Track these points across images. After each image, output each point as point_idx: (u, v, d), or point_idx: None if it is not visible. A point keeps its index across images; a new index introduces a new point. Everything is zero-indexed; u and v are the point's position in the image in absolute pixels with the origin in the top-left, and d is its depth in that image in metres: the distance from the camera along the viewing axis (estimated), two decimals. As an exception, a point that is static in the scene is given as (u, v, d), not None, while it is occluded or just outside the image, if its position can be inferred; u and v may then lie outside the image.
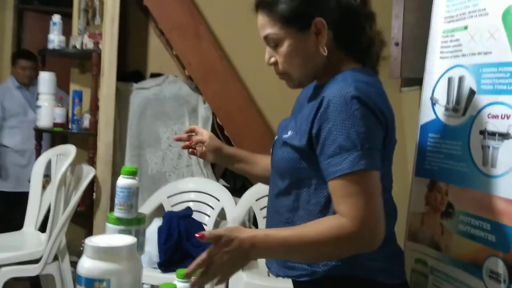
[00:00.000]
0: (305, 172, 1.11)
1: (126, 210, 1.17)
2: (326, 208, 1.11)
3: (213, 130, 2.93)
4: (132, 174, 1.18)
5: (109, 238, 1.05)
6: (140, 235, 1.18)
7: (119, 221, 1.17)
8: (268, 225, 1.24)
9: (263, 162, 1.39)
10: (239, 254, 1.03)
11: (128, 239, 1.03)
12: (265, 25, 1.13)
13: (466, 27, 1.34)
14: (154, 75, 3.01)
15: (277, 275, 1.21)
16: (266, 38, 1.14)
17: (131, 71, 3.05)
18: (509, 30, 1.22)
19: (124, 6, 2.83)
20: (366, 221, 1.01)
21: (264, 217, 2.50)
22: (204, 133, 1.37)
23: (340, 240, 1.03)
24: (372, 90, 1.07)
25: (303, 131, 1.10)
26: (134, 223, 1.18)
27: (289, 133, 1.15)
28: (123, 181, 1.18)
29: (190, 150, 1.38)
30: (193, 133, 1.39)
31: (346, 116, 1.03)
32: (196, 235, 1.04)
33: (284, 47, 1.12)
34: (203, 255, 1.03)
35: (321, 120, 1.05)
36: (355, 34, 1.14)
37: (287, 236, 1.05)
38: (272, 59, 1.16)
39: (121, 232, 1.16)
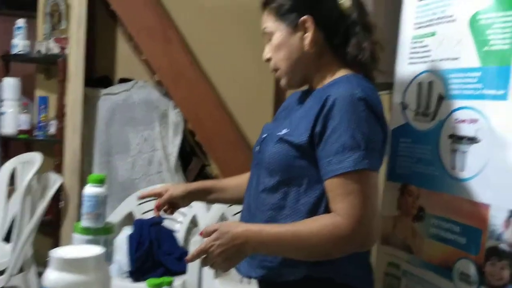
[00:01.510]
0: (299, 170, 1.11)
1: (94, 219, 1.15)
2: (315, 209, 1.11)
3: (184, 136, 2.90)
4: (100, 182, 1.16)
5: (76, 248, 1.03)
6: (108, 245, 1.16)
7: (86, 231, 1.15)
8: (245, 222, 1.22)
9: (231, 184, 1.41)
10: (232, 248, 1.05)
11: (95, 250, 1.00)
12: (265, 20, 1.20)
13: (434, 33, 1.36)
14: (123, 80, 2.97)
15: (248, 276, 1.21)
16: (263, 32, 1.21)
17: (99, 77, 2.99)
18: (476, 36, 1.24)
19: (91, 10, 2.78)
20: (362, 220, 1.03)
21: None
22: (166, 190, 1.36)
23: (334, 239, 1.04)
24: (374, 96, 1.11)
25: (303, 128, 1.10)
26: (102, 233, 1.16)
27: (284, 130, 1.15)
28: (90, 189, 1.16)
29: (169, 211, 1.38)
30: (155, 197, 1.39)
31: (353, 116, 1.05)
32: (199, 234, 1.09)
33: (274, 39, 1.18)
34: (200, 246, 1.06)
35: (326, 118, 1.07)
36: (348, 40, 1.17)
37: (281, 232, 1.06)
38: (268, 55, 1.22)
39: (89, 242, 1.14)
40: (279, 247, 1.08)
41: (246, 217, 1.24)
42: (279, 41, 1.17)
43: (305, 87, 1.26)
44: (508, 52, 1.16)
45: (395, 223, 1.46)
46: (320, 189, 1.10)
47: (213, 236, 1.05)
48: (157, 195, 1.37)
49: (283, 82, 1.22)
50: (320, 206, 1.10)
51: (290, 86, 1.24)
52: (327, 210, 1.09)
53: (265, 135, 1.23)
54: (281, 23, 1.17)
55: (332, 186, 1.06)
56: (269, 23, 1.18)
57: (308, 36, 1.15)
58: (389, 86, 1.53)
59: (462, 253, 1.23)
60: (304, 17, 1.14)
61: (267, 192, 1.16)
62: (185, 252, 2.46)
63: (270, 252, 1.11)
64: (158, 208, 1.35)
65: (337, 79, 1.14)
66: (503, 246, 1.14)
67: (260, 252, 1.13)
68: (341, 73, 1.16)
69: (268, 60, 1.22)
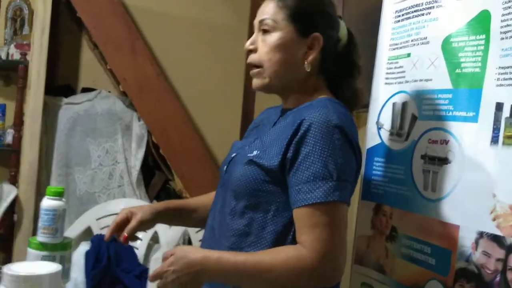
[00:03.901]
0: (267, 196, 1.06)
1: (51, 234, 1.09)
2: (282, 238, 1.05)
3: (148, 149, 2.84)
4: (58, 195, 1.11)
5: (30, 265, 0.96)
6: (65, 261, 1.11)
7: (42, 246, 1.09)
8: (208, 248, 1.15)
9: (201, 204, 1.31)
10: (187, 275, 0.99)
11: (51, 266, 0.94)
12: (268, 11, 1.11)
13: (409, 55, 1.38)
14: (86, 90, 2.88)
15: None
16: (261, 21, 1.11)
17: (61, 85, 2.89)
18: (448, 58, 1.26)
19: (55, 16, 2.70)
20: (328, 255, 0.98)
21: (200, 241, 2.42)
22: (131, 214, 1.21)
23: (297, 272, 0.98)
24: (350, 123, 1.07)
25: (275, 152, 1.05)
26: (59, 249, 1.10)
27: (255, 152, 1.09)
28: (47, 202, 1.10)
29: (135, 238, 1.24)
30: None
31: (327, 143, 1.00)
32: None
33: (275, 37, 1.10)
34: (155, 270, 1.01)
35: (299, 144, 1.02)
36: (340, 74, 1.16)
37: (241, 261, 1.00)
38: (252, 46, 1.12)
39: (45, 258, 1.08)
40: (238, 278, 1.02)
41: (209, 240, 1.17)
42: (281, 41, 1.09)
43: (277, 106, 1.23)
44: (479, 75, 1.17)
45: (369, 243, 1.45)
46: (289, 217, 1.04)
47: (169, 261, 1.00)
48: (124, 223, 1.20)
49: (257, 82, 1.13)
50: (287, 235, 1.05)
51: (263, 89, 1.15)
52: (295, 241, 1.03)
53: (234, 155, 1.17)
54: (290, 23, 1.09)
55: (300, 216, 1.01)
56: (275, 16, 1.09)
57: (313, 53, 1.11)
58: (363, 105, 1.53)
59: (432, 273, 1.22)
60: (317, 33, 1.10)
61: (232, 216, 1.10)
62: (145, 270, 2.38)
63: (228, 281, 1.05)
64: (126, 239, 1.18)
65: (313, 102, 1.10)
66: (472, 267, 1.13)
67: (218, 281, 1.06)
68: (319, 96, 1.13)
69: (251, 51, 1.13)
